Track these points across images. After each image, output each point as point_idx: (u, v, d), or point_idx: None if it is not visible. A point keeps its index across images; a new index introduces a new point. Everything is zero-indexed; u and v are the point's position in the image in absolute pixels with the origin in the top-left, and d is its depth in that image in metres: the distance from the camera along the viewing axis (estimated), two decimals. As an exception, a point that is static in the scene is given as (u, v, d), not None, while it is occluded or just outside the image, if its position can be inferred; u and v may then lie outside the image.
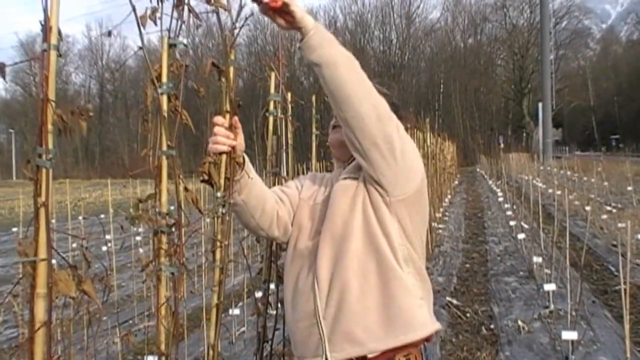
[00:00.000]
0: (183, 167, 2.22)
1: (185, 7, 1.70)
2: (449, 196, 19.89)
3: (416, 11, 64.54)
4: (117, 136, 68.45)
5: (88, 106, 1.25)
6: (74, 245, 6.82)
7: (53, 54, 1.20)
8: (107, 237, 8.49)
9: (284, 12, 1.83)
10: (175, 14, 1.69)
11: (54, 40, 1.19)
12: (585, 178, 20.66)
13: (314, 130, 3.24)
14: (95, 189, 32.68)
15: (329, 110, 2.02)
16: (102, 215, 13.74)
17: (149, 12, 1.64)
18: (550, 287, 6.33)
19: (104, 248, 8.33)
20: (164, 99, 1.67)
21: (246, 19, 1.97)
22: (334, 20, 64.07)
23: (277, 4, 1.78)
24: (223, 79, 1.92)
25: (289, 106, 2.73)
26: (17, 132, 70.41)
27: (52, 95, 1.21)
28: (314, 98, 3.31)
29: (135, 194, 14.72)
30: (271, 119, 2.48)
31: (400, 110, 2.08)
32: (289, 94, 2.73)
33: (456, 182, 27.82)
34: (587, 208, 11.88)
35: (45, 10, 1.18)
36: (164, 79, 1.67)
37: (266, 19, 1.85)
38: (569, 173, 23.04)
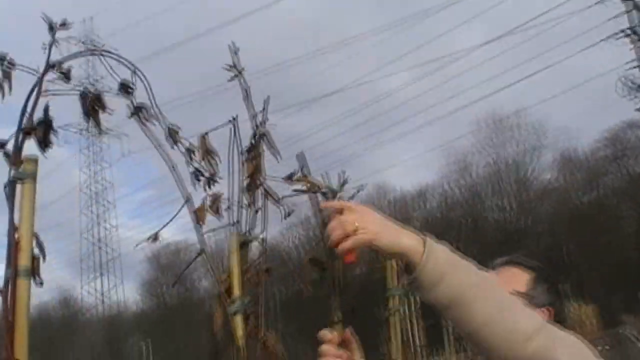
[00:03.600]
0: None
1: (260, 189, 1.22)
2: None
3: (527, 175, 63.64)
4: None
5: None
6: None
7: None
8: None
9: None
10: (244, 200, 1.18)
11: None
12: None
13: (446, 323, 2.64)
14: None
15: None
16: None
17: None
18: None
19: None
20: (238, 322, 1.08)
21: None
22: (445, 196, 63.81)
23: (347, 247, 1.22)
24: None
25: (415, 299, 2.15)
26: (153, 343, 70.97)
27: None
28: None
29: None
30: (394, 319, 1.86)
31: (560, 296, 1.55)
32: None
33: (599, 348, 25.33)
34: None
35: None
36: (236, 291, 1.09)
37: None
38: None
